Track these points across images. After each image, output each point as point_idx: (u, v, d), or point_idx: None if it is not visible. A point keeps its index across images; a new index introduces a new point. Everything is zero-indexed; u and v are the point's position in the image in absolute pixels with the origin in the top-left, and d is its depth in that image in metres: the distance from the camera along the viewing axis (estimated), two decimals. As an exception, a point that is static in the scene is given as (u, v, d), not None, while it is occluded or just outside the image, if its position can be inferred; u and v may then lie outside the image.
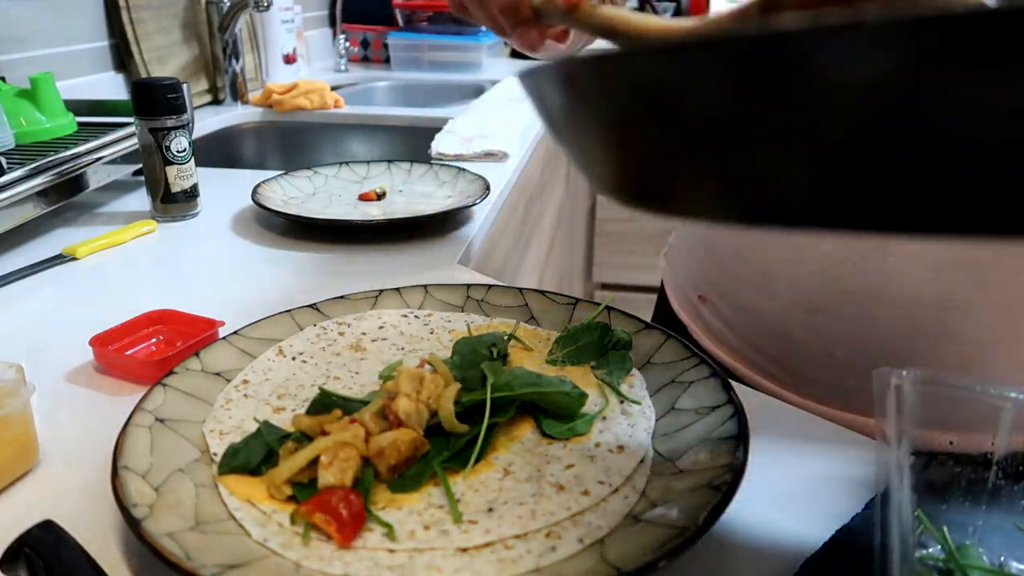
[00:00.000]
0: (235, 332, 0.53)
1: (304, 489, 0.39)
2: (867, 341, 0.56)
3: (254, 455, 0.41)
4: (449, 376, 0.46)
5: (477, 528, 0.37)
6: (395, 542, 0.36)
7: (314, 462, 0.39)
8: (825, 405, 0.59)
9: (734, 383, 0.47)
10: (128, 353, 0.56)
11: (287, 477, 0.39)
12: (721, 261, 0.66)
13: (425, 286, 0.61)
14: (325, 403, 0.45)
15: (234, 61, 1.51)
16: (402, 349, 0.54)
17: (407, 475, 0.40)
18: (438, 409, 0.43)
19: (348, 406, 0.45)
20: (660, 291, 0.80)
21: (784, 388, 0.62)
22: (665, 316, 0.76)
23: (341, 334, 0.55)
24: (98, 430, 0.47)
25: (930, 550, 0.36)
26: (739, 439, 0.40)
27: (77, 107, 0.95)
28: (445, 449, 0.42)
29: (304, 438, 0.42)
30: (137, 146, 0.86)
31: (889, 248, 0.53)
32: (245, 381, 0.49)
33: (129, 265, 0.75)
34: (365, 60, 2.23)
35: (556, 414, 0.45)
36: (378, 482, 0.40)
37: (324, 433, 0.41)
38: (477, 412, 0.44)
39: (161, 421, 0.44)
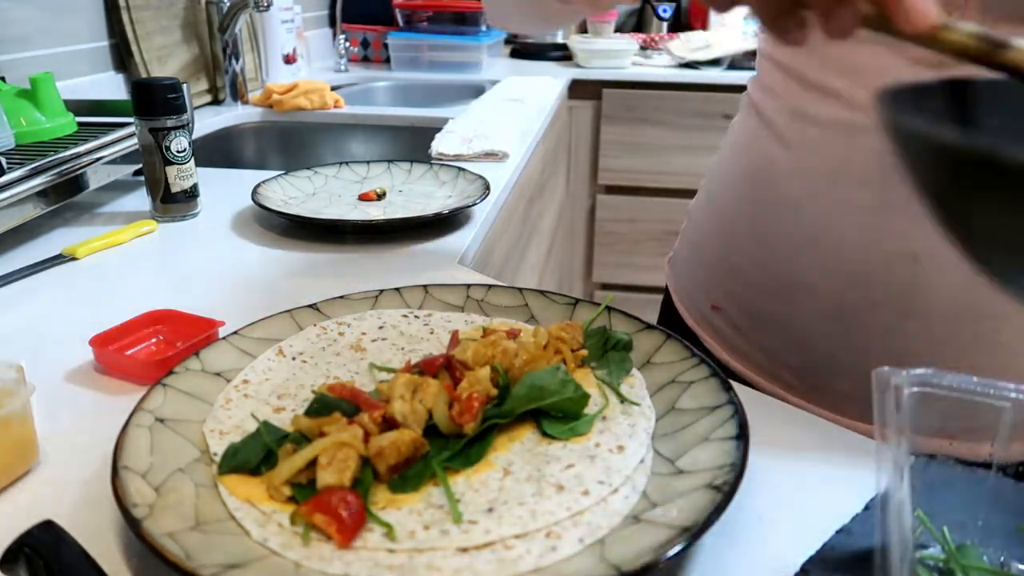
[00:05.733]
0: (235, 332, 0.53)
1: (303, 490, 0.39)
2: (898, 351, 0.54)
3: (254, 455, 0.41)
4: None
5: (477, 528, 0.37)
6: (395, 542, 0.36)
7: (313, 463, 0.39)
8: (841, 415, 0.58)
9: (734, 383, 0.47)
10: (128, 353, 0.56)
11: (286, 478, 0.39)
12: (738, 271, 0.65)
13: (425, 286, 0.61)
14: (326, 401, 0.45)
15: (234, 61, 1.51)
16: (402, 349, 0.54)
17: (407, 475, 0.40)
18: (432, 410, 0.43)
19: (348, 406, 0.45)
20: (665, 298, 0.79)
21: (799, 397, 0.61)
22: (673, 325, 0.74)
23: (341, 334, 0.55)
24: (98, 430, 0.47)
25: (930, 550, 0.36)
26: (739, 439, 0.40)
27: (77, 107, 0.95)
28: (445, 449, 0.42)
29: (303, 439, 0.42)
30: (137, 146, 0.86)
31: (920, 256, 0.52)
32: (245, 381, 0.49)
33: (129, 265, 0.75)
34: (365, 60, 2.23)
35: (556, 414, 0.45)
36: (378, 482, 0.40)
37: (323, 435, 0.41)
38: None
39: (161, 421, 0.44)
